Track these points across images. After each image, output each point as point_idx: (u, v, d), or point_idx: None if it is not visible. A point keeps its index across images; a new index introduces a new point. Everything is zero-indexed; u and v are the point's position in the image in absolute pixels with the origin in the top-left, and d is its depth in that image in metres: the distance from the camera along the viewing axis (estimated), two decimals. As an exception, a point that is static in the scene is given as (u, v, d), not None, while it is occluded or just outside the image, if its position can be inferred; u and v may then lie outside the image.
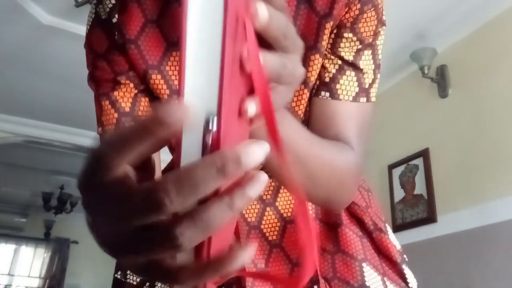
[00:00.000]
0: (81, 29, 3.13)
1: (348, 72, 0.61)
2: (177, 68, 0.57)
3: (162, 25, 0.59)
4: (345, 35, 0.60)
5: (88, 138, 4.74)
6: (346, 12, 0.59)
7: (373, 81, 0.62)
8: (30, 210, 7.45)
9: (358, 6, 0.59)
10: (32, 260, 7.73)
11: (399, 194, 3.02)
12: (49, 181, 6.34)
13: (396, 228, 2.97)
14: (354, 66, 0.61)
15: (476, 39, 2.73)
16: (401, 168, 3.05)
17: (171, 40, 0.59)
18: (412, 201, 2.90)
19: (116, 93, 0.64)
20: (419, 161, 2.91)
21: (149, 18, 0.59)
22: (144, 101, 0.64)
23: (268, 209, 0.63)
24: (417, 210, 2.83)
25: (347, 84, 0.60)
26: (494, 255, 2.32)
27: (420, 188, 2.86)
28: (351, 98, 0.60)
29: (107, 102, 0.65)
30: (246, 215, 0.62)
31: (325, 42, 0.60)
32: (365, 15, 0.60)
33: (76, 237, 7.64)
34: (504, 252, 2.27)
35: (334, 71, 0.61)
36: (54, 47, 3.32)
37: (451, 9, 2.76)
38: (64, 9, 2.93)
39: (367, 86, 0.61)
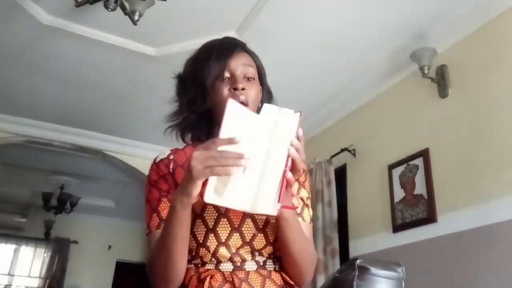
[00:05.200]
0: (81, 29, 3.14)
1: (305, 209, 1.10)
2: None
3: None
4: (302, 190, 1.12)
5: (88, 138, 4.74)
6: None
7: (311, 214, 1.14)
8: (30, 210, 7.45)
9: (306, 177, 1.15)
10: (32, 260, 7.73)
11: (399, 194, 3.02)
12: (49, 181, 6.35)
13: (396, 228, 2.97)
14: (307, 205, 1.11)
15: (476, 39, 2.72)
16: (401, 168, 3.05)
17: None
18: (412, 201, 2.89)
19: (159, 208, 1.01)
20: (419, 161, 2.91)
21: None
22: None
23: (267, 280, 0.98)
24: (417, 210, 2.83)
25: (307, 214, 1.10)
26: (494, 255, 2.32)
27: (420, 188, 2.86)
28: (309, 221, 1.10)
29: (155, 214, 1.01)
30: (253, 284, 0.94)
31: (294, 188, 1.09)
32: (306, 182, 1.15)
33: (76, 237, 7.65)
34: (504, 252, 2.27)
35: (301, 206, 1.09)
36: (54, 47, 3.33)
37: (451, 9, 2.76)
38: (64, 9, 2.93)
39: (311, 215, 1.12)
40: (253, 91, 1.06)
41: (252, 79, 1.07)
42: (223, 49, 1.07)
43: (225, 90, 1.04)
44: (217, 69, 1.04)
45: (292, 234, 0.96)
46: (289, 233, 0.96)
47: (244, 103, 1.02)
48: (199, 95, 1.05)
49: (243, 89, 1.03)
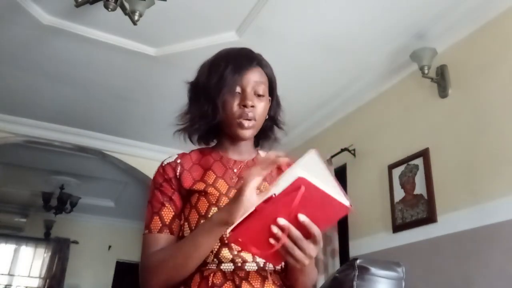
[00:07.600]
0: (81, 29, 3.14)
1: None
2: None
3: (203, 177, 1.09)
4: None
5: (88, 138, 4.74)
6: None
7: None
8: (30, 210, 7.45)
9: None
10: (32, 260, 7.73)
11: (399, 194, 3.02)
12: (49, 181, 6.35)
13: (396, 228, 2.97)
14: None
15: (476, 39, 2.72)
16: (401, 168, 3.05)
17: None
18: (412, 201, 2.90)
19: (162, 212, 1.04)
20: (419, 161, 2.91)
21: (196, 179, 1.07)
22: (177, 222, 1.04)
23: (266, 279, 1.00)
24: (417, 210, 2.83)
25: None
26: (494, 255, 2.32)
27: (420, 188, 2.86)
28: None
29: (157, 217, 1.03)
30: (253, 283, 0.95)
31: None
32: None
33: (76, 237, 7.65)
34: (504, 252, 2.27)
35: None
36: (54, 47, 3.33)
37: (451, 9, 2.76)
38: (64, 9, 2.93)
39: None
40: (261, 108, 1.10)
41: (262, 96, 1.10)
42: (237, 63, 1.09)
43: (235, 106, 1.07)
44: (230, 84, 1.06)
45: (298, 275, 1.00)
46: (297, 274, 1.00)
47: (251, 119, 1.06)
48: (211, 110, 1.08)
49: (252, 106, 1.07)
